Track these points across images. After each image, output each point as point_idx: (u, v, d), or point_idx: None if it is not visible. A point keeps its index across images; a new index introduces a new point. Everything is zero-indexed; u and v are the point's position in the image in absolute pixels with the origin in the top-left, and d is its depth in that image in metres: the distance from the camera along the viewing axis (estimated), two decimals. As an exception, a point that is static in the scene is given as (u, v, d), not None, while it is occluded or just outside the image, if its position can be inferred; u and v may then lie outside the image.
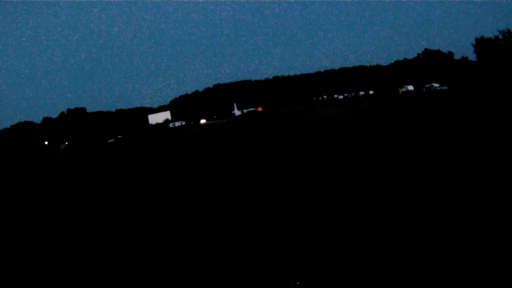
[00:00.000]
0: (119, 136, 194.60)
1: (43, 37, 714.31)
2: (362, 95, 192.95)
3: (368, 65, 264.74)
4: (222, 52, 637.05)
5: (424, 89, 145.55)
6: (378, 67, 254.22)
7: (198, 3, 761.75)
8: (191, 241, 12.88)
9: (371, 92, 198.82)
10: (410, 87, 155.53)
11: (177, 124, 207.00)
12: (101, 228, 16.73)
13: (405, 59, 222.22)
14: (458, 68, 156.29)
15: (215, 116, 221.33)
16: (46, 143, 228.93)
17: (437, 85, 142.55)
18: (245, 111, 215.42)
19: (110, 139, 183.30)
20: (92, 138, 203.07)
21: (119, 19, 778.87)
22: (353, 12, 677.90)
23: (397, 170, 17.64)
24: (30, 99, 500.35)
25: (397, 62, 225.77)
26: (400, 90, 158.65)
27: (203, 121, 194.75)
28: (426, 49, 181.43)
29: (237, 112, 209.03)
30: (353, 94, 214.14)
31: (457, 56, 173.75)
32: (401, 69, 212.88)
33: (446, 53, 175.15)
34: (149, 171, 34.63)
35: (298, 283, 8.37)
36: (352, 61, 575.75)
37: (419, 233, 10.35)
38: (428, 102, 70.12)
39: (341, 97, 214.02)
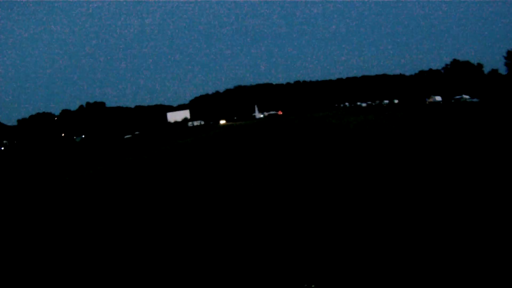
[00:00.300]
0: (136, 132, 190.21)
1: (67, 29, 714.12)
2: (387, 104, 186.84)
3: (391, 74, 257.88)
4: (244, 54, 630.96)
5: (452, 101, 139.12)
6: (401, 76, 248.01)
7: (223, 2, 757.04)
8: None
9: (396, 101, 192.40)
10: (438, 98, 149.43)
11: (196, 123, 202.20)
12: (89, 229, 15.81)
13: (430, 69, 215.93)
14: (489, 81, 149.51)
15: (235, 118, 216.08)
16: (62, 135, 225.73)
17: (467, 97, 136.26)
18: (265, 114, 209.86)
19: (127, 135, 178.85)
20: (108, 133, 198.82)
21: (146, 15, 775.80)
22: (378, 21, 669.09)
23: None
24: (51, 91, 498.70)
25: (421, 72, 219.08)
26: (428, 100, 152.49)
27: (222, 121, 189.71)
28: (454, 60, 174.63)
29: (258, 115, 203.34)
30: (377, 102, 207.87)
31: (486, 68, 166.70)
32: (426, 79, 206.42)
33: (475, 64, 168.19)
34: (157, 175, 30.23)
35: (313, 286, 8.08)
36: (374, 70, 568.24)
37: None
38: (458, 113, 66.19)
39: (364, 104, 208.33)
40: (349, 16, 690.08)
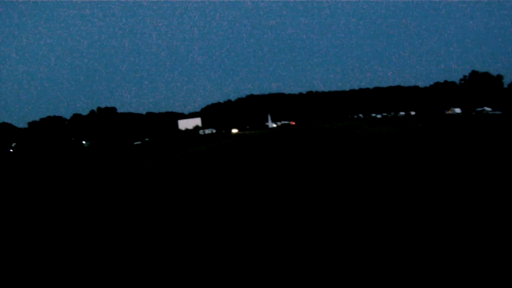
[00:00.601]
0: (146, 139, 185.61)
1: (81, 33, 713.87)
2: (403, 116, 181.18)
3: (405, 86, 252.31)
4: (257, 63, 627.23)
5: (473, 113, 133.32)
6: (416, 88, 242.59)
7: (236, 12, 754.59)
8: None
9: (412, 112, 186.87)
10: (458, 110, 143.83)
11: (207, 131, 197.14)
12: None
13: (446, 81, 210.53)
14: (509, 93, 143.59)
15: (247, 127, 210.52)
16: (72, 139, 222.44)
17: (489, 109, 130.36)
18: (278, 123, 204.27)
19: (136, 141, 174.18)
20: (117, 139, 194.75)
21: (160, 21, 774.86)
22: (392, 32, 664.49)
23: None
24: (63, 95, 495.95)
25: (437, 83, 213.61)
26: (447, 112, 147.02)
27: (235, 130, 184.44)
28: (473, 71, 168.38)
29: (270, 124, 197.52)
30: (392, 113, 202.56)
31: (507, 79, 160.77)
32: (442, 91, 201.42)
33: (495, 76, 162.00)
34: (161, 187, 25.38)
35: None
36: (387, 81, 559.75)
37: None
38: (484, 126, 60.50)
39: (379, 116, 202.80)
40: (362, 27, 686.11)
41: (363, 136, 55.79)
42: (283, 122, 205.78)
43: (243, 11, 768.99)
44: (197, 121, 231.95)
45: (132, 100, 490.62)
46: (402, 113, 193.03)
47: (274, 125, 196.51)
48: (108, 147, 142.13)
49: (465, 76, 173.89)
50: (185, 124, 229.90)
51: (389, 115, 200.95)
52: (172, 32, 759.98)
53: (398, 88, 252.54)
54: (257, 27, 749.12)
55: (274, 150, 45.65)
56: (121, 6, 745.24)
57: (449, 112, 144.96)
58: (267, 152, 44.75)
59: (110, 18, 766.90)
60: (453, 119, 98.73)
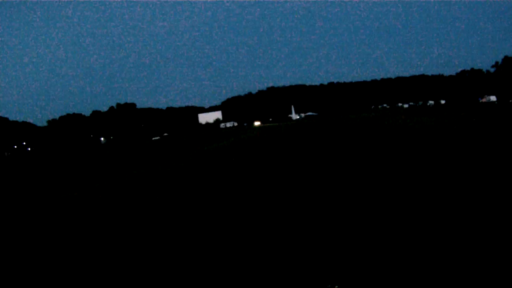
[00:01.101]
0: (165, 134, 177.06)
1: (100, 30, 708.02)
2: (432, 105, 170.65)
3: (429, 75, 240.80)
4: (277, 55, 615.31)
5: (511, 101, 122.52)
6: (440, 77, 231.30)
7: (254, 4, 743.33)
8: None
9: (442, 101, 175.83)
10: (493, 98, 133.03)
11: (228, 125, 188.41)
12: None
13: (472, 69, 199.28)
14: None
15: (270, 119, 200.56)
16: (91, 136, 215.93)
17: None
18: (302, 115, 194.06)
19: (155, 137, 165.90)
20: (136, 135, 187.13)
21: (179, 18, 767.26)
22: (412, 22, 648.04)
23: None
24: (83, 92, 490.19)
25: (463, 71, 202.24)
26: (481, 100, 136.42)
27: (257, 123, 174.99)
28: (506, 57, 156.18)
29: (294, 116, 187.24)
30: (420, 103, 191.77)
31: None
32: (469, 79, 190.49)
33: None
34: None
35: (336, 286, 7.76)
36: (410, 70, 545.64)
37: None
38: None
39: (406, 105, 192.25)
40: (382, 16, 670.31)
41: (406, 129, 47.26)
42: (308, 113, 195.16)
43: (262, 2, 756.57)
44: (217, 115, 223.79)
45: (153, 96, 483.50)
46: (431, 102, 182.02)
47: (297, 117, 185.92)
48: (125, 144, 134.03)
49: (497, 62, 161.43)
50: (205, 118, 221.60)
51: (417, 105, 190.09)
52: (192, 27, 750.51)
53: (422, 77, 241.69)
54: (275, 19, 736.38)
55: (304, 149, 36.98)
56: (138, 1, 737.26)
57: (484, 100, 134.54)
58: (295, 151, 36.06)
59: (129, 15, 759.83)
60: (493, 108, 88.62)
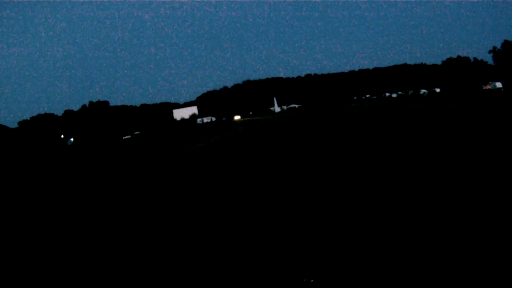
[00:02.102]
0: (136, 132, 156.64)
1: (69, 28, 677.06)
2: (426, 94, 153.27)
3: (412, 64, 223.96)
4: (250, 48, 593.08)
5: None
6: (423, 66, 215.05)
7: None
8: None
9: (437, 89, 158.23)
10: (498, 84, 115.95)
11: (206, 120, 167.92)
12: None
13: (459, 56, 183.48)
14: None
15: (250, 113, 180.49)
16: (62, 136, 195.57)
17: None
18: (284, 107, 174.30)
19: (125, 136, 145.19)
20: (103, 134, 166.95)
21: (148, 12, 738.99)
22: (379, 16, 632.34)
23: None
24: (55, 92, 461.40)
25: (449, 59, 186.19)
26: (484, 87, 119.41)
27: (237, 117, 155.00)
28: (506, 41, 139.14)
29: (277, 108, 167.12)
30: (410, 92, 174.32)
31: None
32: (456, 66, 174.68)
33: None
34: None
35: (312, 280, 7.56)
36: (386, 62, 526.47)
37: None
38: None
39: (394, 95, 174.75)
40: (355, 8, 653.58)
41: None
42: (290, 105, 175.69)
43: None
44: (193, 110, 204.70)
45: (126, 93, 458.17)
46: (424, 90, 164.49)
47: (279, 109, 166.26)
48: (91, 145, 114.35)
49: (495, 48, 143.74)
50: (180, 114, 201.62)
51: (407, 94, 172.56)
52: (162, 22, 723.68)
53: (405, 66, 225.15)
54: (247, 12, 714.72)
55: (307, 153, 25.88)
56: None
57: (488, 87, 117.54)
58: (297, 157, 25.02)
59: (101, 11, 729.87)
60: (500, 95, 75.52)
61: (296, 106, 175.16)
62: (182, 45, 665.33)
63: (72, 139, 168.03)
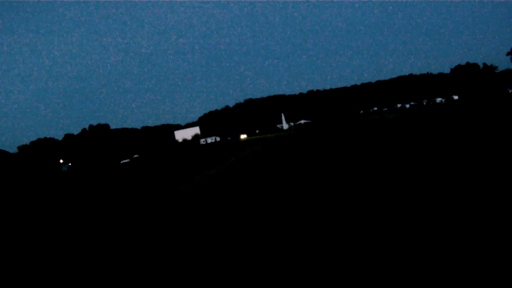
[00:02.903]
0: (135, 156, 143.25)
1: (67, 50, 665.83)
2: (443, 102, 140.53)
3: (418, 74, 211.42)
4: (250, 67, 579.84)
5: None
6: (429, 75, 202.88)
7: (224, 13, 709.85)
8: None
9: (455, 97, 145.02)
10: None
11: (209, 140, 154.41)
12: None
13: (468, 63, 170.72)
14: None
15: (257, 131, 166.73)
16: (61, 161, 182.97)
17: None
18: (292, 124, 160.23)
19: (124, 159, 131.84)
20: (100, 159, 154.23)
21: (148, 34, 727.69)
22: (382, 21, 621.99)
23: None
24: (55, 116, 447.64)
25: (458, 67, 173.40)
26: (510, 91, 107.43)
27: (243, 136, 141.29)
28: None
29: (285, 125, 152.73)
30: (425, 101, 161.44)
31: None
32: (466, 74, 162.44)
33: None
34: None
35: None
36: (386, 75, 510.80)
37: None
38: None
39: (407, 105, 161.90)
40: (349, 23, 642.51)
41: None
42: (299, 122, 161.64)
43: (228, 16, 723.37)
44: (195, 131, 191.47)
45: (128, 116, 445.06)
46: (439, 99, 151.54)
47: (287, 126, 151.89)
48: (86, 172, 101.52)
49: (509, 52, 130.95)
50: (182, 135, 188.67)
51: (423, 103, 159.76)
52: (161, 45, 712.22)
53: (411, 77, 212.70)
54: (247, 31, 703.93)
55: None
56: (110, 13, 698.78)
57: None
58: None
59: (98, 33, 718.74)
60: None
61: (302, 122, 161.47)
62: (182, 66, 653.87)
63: (67, 165, 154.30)
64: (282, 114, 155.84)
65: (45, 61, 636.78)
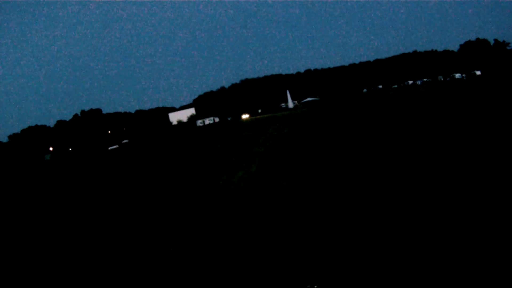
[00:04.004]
0: (124, 141, 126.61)
1: (59, 33, 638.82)
2: (464, 77, 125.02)
3: (423, 51, 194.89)
4: (243, 47, 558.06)
5: None
6: (434, 52, 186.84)
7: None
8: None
9: (477, 72, 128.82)
10: None
11: (208, 121, 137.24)
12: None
13: (478, 39, 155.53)
14: None
15: (259, 111, 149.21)
16: (50, 149, 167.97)
17: None
18: (296, 102, 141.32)
19: (112, 146, 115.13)
20: (88, 145, 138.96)
21: (140, 17, 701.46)
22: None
23: None
24: (47, 102, 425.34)
25: (468, 42, 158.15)
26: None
27: (245, 116, 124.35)
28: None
29: (291, 104, 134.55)
30: (440, 77, 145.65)
31: None
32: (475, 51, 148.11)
33: None
34: None
35: (316, 286, 6.99)
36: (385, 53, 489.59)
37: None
38: None
39: (418, 82, 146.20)
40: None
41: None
42: (307, 99, 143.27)
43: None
44: (191, 111, 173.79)
45: (121, 100, 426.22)
46: (457, 75, 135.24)
47: (292, 105, 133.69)
48: (69, 160, 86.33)
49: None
50: (177, 117, 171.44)
51: (439, 79, 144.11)
52: (154, 25, 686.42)
53: (415, 53, 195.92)
54: (237, 14, 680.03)
55: None
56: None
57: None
58: None
59: (91, 16, 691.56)
60: None
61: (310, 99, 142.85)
62: (175, 48, 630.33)
63: (49, 154, 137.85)
64: (288, 92, 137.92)
65: (35, 47, 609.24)
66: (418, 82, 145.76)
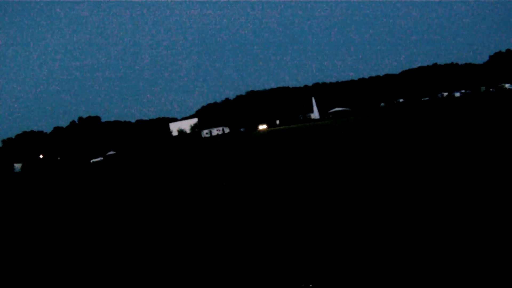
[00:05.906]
0: (110, 153, 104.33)
1: (66, 42, 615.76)
2: (492, 91, 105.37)
3: (443, 64, 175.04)
4: (249, 60, 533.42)
5: None
6: (454, 65, 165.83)
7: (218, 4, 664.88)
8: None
9: (506, 85, 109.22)
10: None
11: (215, 131, 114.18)
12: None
13: (508, 49, 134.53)
14: None
15: (277, 122, 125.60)
16: (41, 156, 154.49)
17: None
18: (317, 111, 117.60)
19: (95, 158, 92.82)
20: (68, 156, 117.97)
21: (146, 27, 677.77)
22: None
23: None
24: (46, 108, 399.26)
25: (498, 53, 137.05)
26: None
27: (262, 127, 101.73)
28: None
29: (317, 114, 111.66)
30: (483, 88, 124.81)
31: None
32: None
33: None
34: None
35: (311, 285, 6.54)
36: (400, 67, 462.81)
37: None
38: None
39: (457, 94, 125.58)
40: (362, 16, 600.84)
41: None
42: (335, 109, 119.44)
43: (224, 9, 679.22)
44: (194, 121, 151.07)
45: (123, 109, 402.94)
46: (507, 85, 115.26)
47: (318, 115, 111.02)
48: (41, 173, 65.80)
49: None
50: (178, 127, 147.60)
51: (480, 91, 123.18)
52: (158, 36, 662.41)
53: (435, 66, 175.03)
54: (245, 24, 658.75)
55: None
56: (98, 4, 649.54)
57: None
58: None
59: (93, 22, 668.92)
60: None
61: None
62: (180, 58, 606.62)
63: (20, 165, 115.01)
64: (313, 99, 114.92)
65: (34, 53, 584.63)
66: (457, 94, 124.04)
